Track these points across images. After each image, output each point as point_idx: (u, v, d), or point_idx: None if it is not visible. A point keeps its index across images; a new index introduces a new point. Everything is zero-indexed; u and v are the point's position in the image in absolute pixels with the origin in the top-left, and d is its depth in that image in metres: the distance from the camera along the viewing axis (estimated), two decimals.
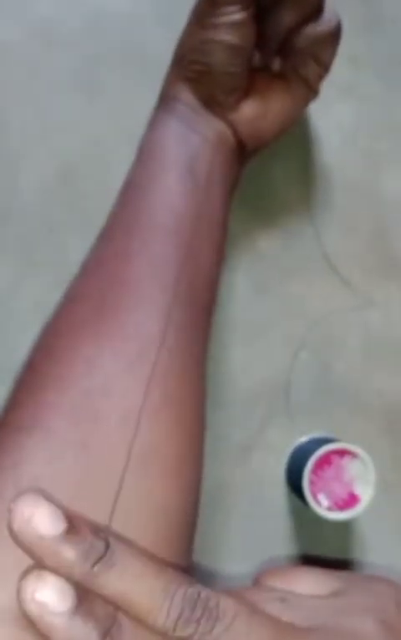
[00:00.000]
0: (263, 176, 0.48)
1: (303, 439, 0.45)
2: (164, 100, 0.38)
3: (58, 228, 0.46)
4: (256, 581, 0.28)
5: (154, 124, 0.38)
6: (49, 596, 0.18)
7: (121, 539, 0.21)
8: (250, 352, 0.46)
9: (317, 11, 0.34)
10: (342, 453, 0.40)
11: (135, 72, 0.47)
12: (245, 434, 0.45)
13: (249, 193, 0.47)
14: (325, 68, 0.38)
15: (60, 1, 0.47)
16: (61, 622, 0.18)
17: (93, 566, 0.19)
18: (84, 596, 0.19)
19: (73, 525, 0.20)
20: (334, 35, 0.36)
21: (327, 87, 0.49)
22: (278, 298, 0.47)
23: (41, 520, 0.19)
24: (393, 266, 0.48)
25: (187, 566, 0.27)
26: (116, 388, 0.27)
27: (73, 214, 0.46)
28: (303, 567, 0.29)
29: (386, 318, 0.47)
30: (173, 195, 0.33)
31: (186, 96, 0.36)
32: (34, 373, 0.29)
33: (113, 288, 0.31)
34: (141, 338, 0.28)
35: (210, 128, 0.36)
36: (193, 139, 0.35)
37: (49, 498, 0.21)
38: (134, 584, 0.19)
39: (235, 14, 0.32)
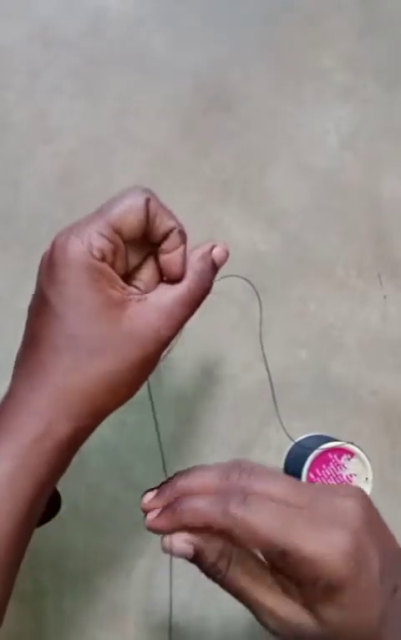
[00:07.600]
0: (263, 179, 0.48)
1: (301, 437, 0.45)
2: None
3: (58, 228, 0.46)
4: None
5: None
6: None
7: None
8: (250, 352, 0.46)
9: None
10: (339, 451, 0.41)
11: (135, 72, 0.47)
12: (244, 433, 0.45)
13: (249, 196, 0.48)
14: None
15: (60, 1, 0.47)
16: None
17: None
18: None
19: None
20: None
21: (327, 89, 0.50)
22: (278, 299, 0.47)
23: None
24: (392, 266, 0.48)
25: None
26: None
27: (74, 214, 0.46)
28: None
29: (384, 318, 0.48)
30: None
31: None
32: None
33: None
34: None
35: None
36: None
37: None
38: None
39: None
